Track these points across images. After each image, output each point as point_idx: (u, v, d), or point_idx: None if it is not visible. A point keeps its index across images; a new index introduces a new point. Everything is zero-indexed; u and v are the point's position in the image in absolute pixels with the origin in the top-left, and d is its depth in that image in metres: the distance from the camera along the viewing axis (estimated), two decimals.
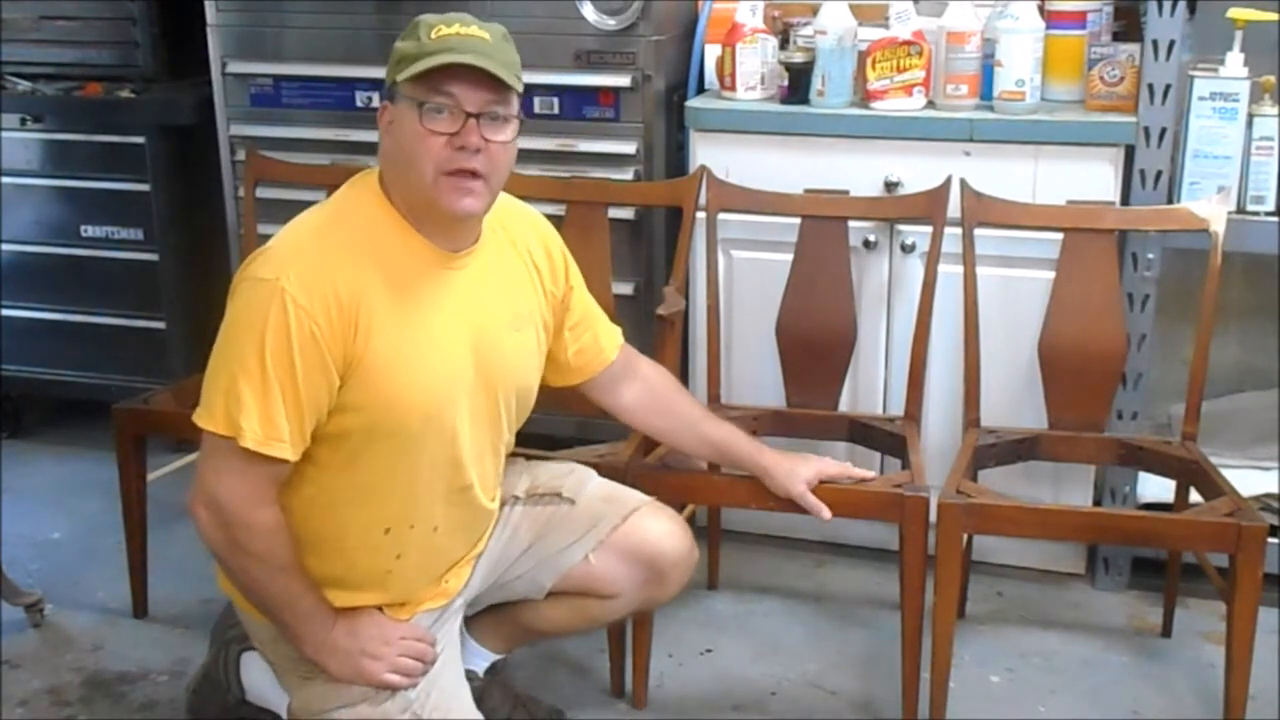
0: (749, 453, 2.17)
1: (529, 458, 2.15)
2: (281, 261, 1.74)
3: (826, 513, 2.13)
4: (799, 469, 2.14)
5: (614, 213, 2.69)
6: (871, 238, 2.65)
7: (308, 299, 1.71)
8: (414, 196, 1.79)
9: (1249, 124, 2.46)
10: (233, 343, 1.74)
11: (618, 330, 2.19)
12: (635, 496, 2.12)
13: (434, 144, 1.74)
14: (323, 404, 1.76)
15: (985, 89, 2.65)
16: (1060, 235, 2.42)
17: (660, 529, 2.07)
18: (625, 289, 2.82)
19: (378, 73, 2.86)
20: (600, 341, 2.14)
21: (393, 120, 1.79)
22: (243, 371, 1.71)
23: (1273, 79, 2.46)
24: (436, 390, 1.83)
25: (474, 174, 1.76)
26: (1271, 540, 2.23)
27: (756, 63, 2.77)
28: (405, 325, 1.79)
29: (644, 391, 2.17)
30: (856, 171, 2.64)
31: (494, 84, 1.75)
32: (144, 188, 3.23)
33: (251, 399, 1.71)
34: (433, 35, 1.75)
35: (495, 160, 1.78)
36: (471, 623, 2.15)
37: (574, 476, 2.14)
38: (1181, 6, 2.44)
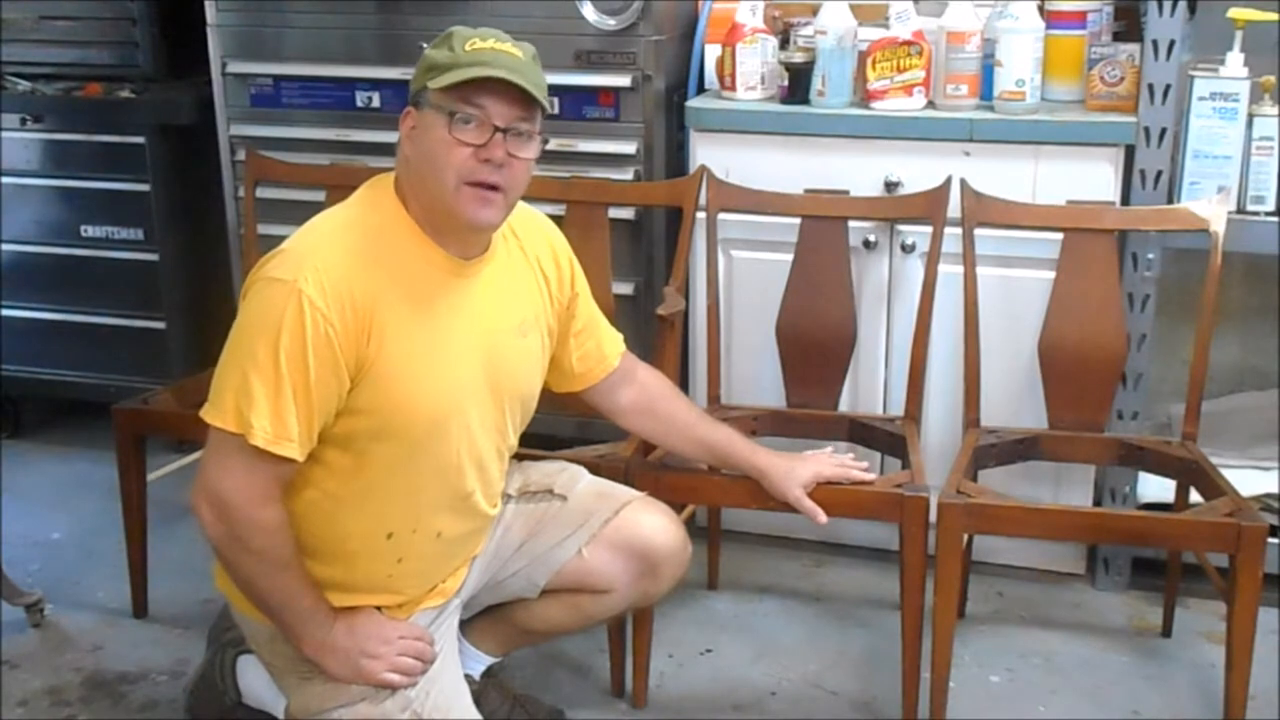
0: (745, 455, 2.17)
1: (522, 458, 2.15)
2: (298, 263, 1.74)
3: (822, 516, 2.13)
4: (796, 471, 2.14)
5: (614, 213, 2.69)
6: (871, 238, 2.65)
7: (324, 301, 1.71)
8: (433, 204, 1.80)
9: (1249, 124, 2.46)
10: (246, 341, 1.74)
11: (619, 337, 2.20)
12: (627, 492, 2.13)
13: (460, 153, 1.75)
14: (331, 406, 1.76)
15: (985, 89, 2.65)
16: (1060, 235, 2.42)
17: (653, 522, 2.07)
18: (625, 289, 2.82)
19: (378, 73, 2.94)
20: (604, 348, 2.14)
21: (416, 126, 1.80)
22: (255, 369, 1.71)
23: (1273, 79, 2.46)
24: (444, 396, 1.84)
25: (494, 187, 1.77)
26: (1271, 540, 2.23)
27: (756, 63, 2.77)
28: (417, 331, 1.80)
29: (641, 396, 2.18)
30: (856, 171, 2.64)
31: (524, 101, 1.77)
32: (144, 188, 3.23)
33: (263, 397, 1.70)
34: (467, 47, 1.76)
35: (515, 176, 1.79)
36: (467, 626, 2.15)
37: (566, 474, 2.14)
38: (1181, 6, 2.44)
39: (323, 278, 1.72)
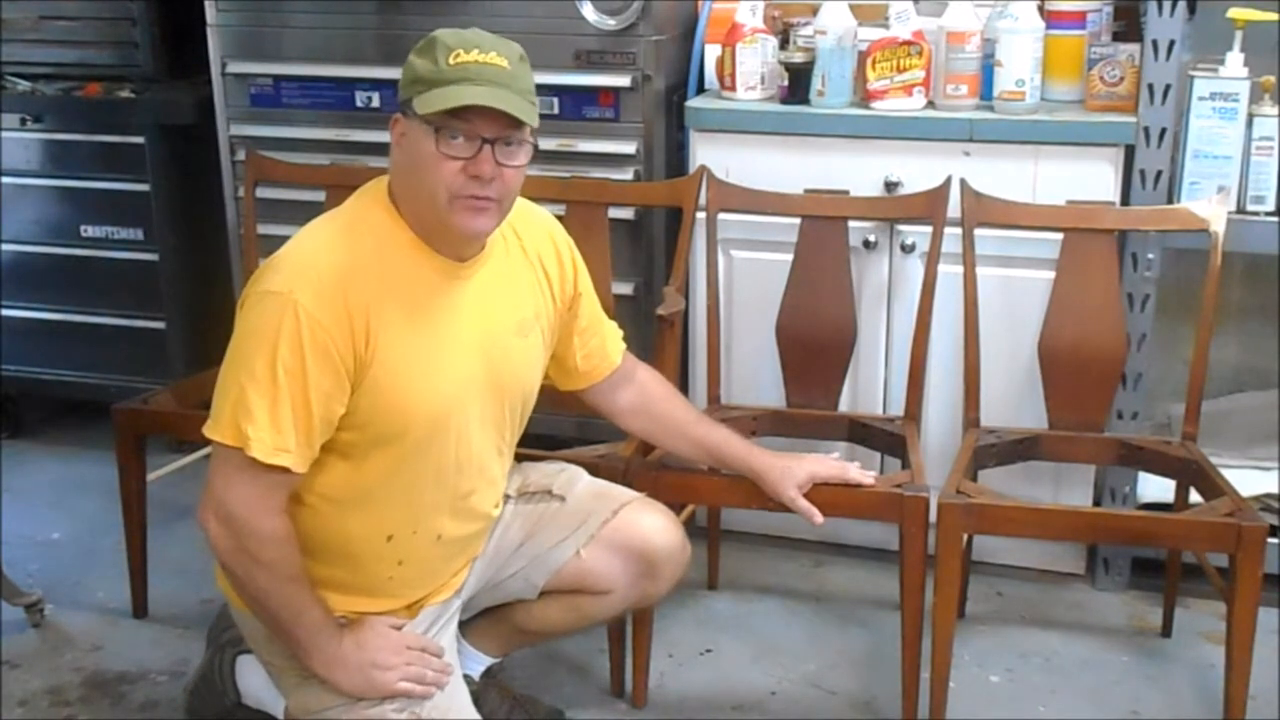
0: (742, 456, 2.17)
1: (521, 458, 2.15)
2: (293, 274, 1.74)
3: (818, 517, 2.13)
4: (792, 471, 2.14)
5: (614, 213, 2.69)
6: (871, 238, 2.65)
7: (319, 310, 1.71)
8: (425, 213, 1.79)
9: (1249, 124, 2.46)
10: (243, 355, 1.74)
11: (620, 334, 2.19)
12: (626, 492, 2.12)
13: (449, 168, 1.74)
14: (335, 414, 1.76)
15: (985, 89, 2.65)
16: (1060, 235, 2.42)
17: (651, 523, 2.07)
18: (625, 289, 2.82)
19: (378, 73, 2.93)
20: (607, 346, 2.14)
21: (405, 134, 1.78)
22: (252, 382, 1.71)
23: (1273, 79, 2.46)
24: (443, 399, 1.84)
25: (487, 198, 1.76)
26: (1271, 540, 2.23)
27: (756, 63, 2.77)
28: (412, 336, 1.80)
29: (639, 397, 2.18)
30: (856, 171, 2.64)
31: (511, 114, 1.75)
32: (144, 188, 3.23)
33: (261, 409, 1.71)
34: (450, 60, 1.72)
35: (508, 184, 1.78)
36: (466, 627, 2.15)
37: (565, 475, 2.14)
38: (1181, 6, 2.44)
39: (317, 287, 1.72)
